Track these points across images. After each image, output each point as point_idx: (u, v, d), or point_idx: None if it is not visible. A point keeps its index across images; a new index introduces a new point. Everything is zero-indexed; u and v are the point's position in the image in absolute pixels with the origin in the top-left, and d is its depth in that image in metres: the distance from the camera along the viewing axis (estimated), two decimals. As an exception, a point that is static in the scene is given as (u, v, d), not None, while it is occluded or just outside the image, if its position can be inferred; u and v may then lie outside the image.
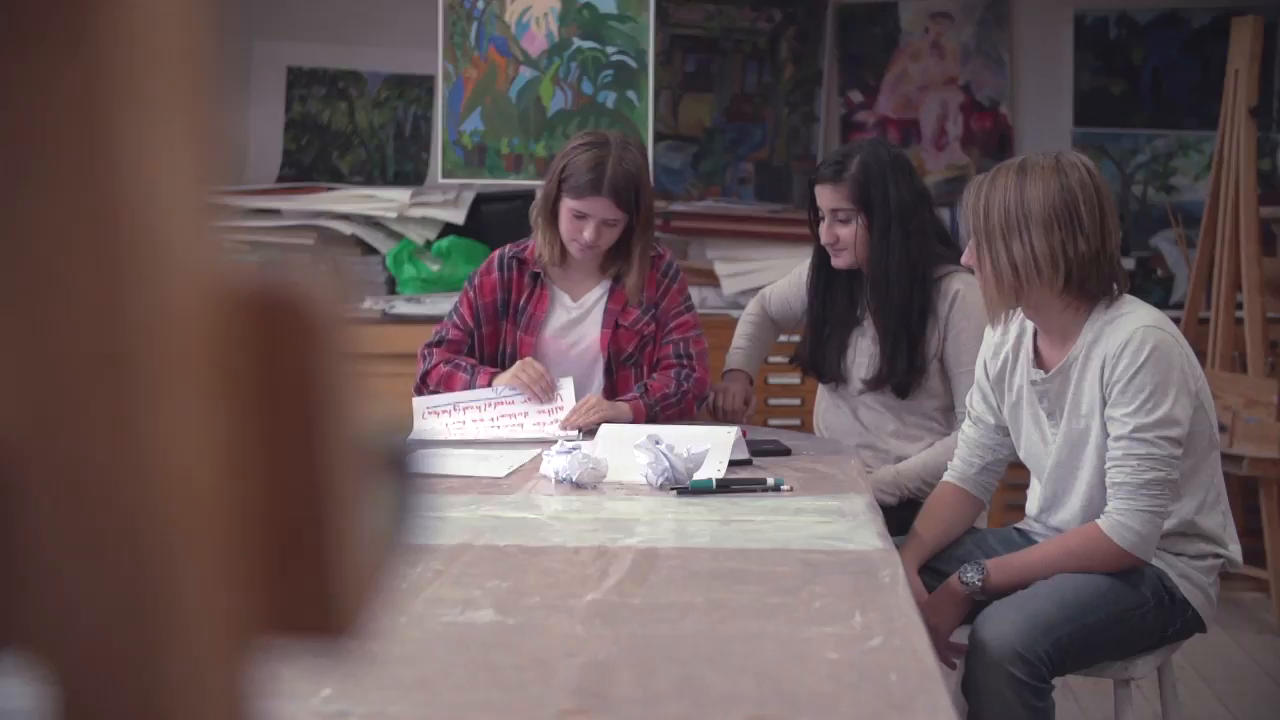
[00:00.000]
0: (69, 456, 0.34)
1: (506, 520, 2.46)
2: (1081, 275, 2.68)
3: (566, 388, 3.33)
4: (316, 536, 0.38)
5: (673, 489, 2.67)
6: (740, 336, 3.80)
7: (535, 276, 3.47)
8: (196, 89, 0.38)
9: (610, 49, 4.87)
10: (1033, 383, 2.83)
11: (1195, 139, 5.63)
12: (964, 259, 2.84)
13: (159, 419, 0.35)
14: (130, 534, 0.35)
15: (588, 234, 3.31)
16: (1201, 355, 4.98)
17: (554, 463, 2.76)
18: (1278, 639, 4.68)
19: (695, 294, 5.41)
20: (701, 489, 2.66)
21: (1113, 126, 5.66)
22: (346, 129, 5.81)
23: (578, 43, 4.88)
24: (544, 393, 3.32)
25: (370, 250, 5.46)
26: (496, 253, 3.56)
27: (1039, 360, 2.84)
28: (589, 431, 3.11)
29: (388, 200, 5.40)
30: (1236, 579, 5.03)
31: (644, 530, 2.38)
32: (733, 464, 2.81)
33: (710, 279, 5.36)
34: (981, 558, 2.86)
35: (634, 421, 3.28)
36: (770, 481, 2.69)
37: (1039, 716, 2.63)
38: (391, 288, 5.43)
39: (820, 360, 3.51)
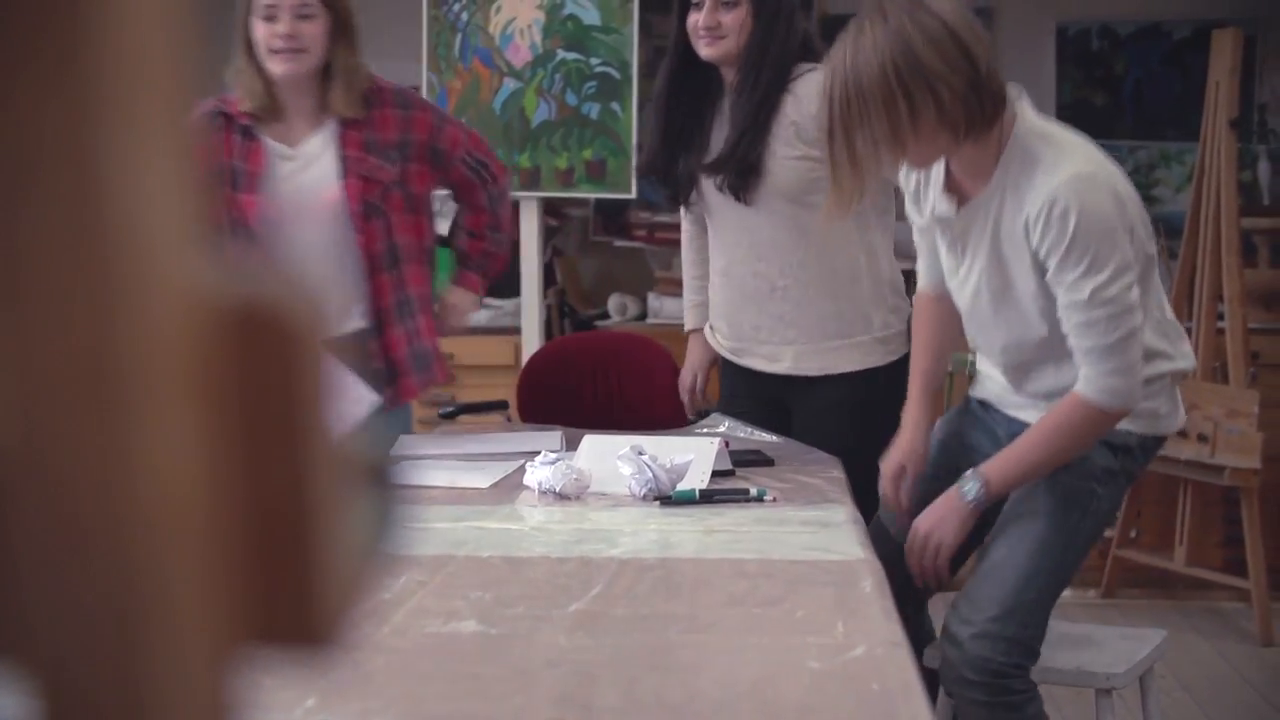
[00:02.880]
0: (55, 467, 0.35)
1: (490, 531, 2.46)
2: (966, 117, 2.50)
3: (552, 439, 3.24)
4: (299, 547, 0.38)
5: (656, 499, 2.68)
6: (690, 278, 3.62)
7: (245, 130, 3.18)
8: (182, 105, 0.38)
9: (594, 60, 4.88)
10: (940, 218, 2.72)
11: (1176, 150, 5.66)
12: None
13: (145, 431, 0.35)
14: (115, 544, 0.35)
15: (282, 27, 3.07)
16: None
17: (537, 474, 2.77)
18: (1259, 648, 4.69)
19: (678, 305, 5.42)
20: (685, 500, 2.66)
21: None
22: (330, 140, 5.81)
23: (561, 54, 4.89)
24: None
25: (354, 261, 5.46)
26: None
27: (950, 185, 2.70)
28: (571, 443, 3.11)
29: (371, 211, 5.39)
30: (1217, 589, 5.05)
31: (627, 541, 2.38)
32: (716, 475, 2.82)
33: (694, 290, 5.36)
34: (968, 457, 2.83)
35: (477, 295, 3.26)
36: (753, 492, 2.70)
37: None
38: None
39: (670, 170, 3.34)
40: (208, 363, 0.37)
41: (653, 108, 3.40)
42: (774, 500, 2.68)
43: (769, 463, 3.06)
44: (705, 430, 3.43)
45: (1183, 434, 4.82)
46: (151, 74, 0.37)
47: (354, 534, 0.40)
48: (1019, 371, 2.79)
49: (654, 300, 5.45)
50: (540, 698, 1.59)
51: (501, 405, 4.49)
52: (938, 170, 2.70)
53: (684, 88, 3.31)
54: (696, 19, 3.19)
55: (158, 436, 0.35)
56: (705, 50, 3.20)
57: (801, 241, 3.23)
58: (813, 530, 2.44)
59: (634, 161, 4.84)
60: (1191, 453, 4.82)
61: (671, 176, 3.35)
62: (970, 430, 2.97)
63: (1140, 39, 5.67)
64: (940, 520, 2.73)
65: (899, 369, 3.26)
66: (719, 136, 3.28)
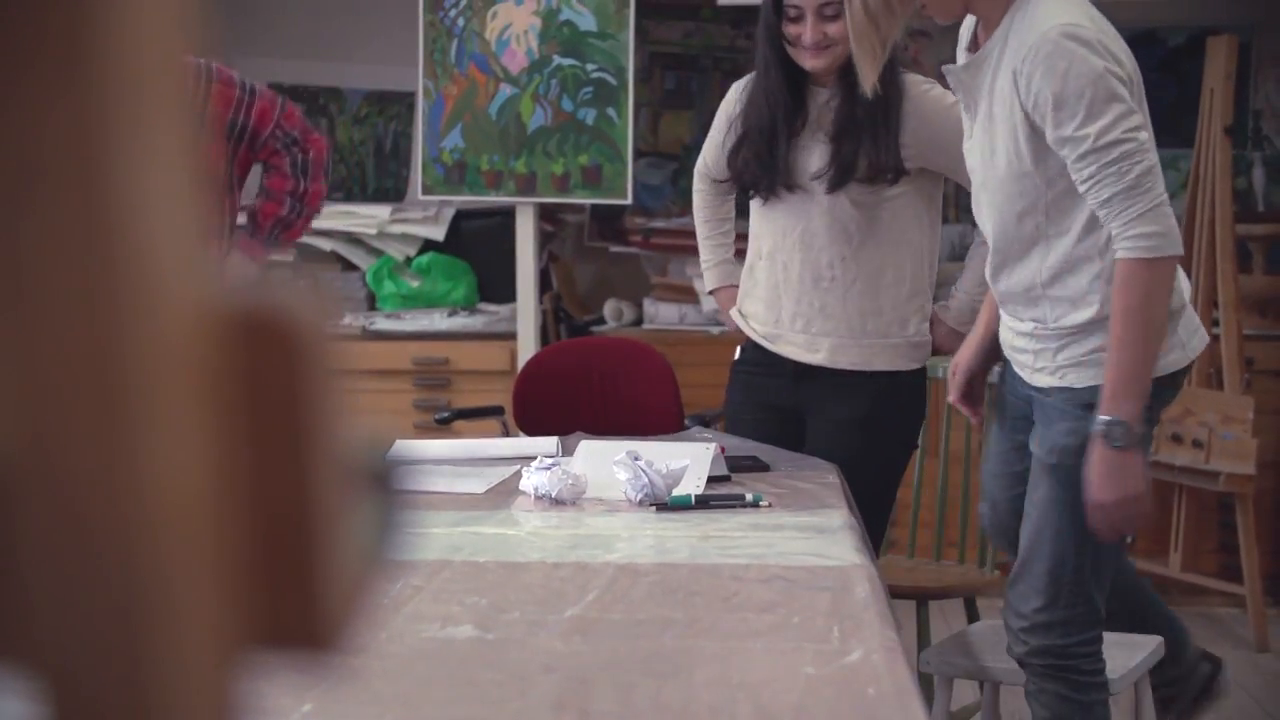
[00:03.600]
0: (63, 472, 0.35)
1: (485, 536, 2.46)
2: None
3: (548, 445, 3.24)
4: (304, 552, 0.38)
5: (652, 505, 2.68)
6: (707, 238, 3.67)
7: None
8: (185, 110, 0.39)
9: (590, 66, 4.88)
10: (950, 71, 2.71)
11: (1171, 157, 5.66)
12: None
13: (151, 436, 0.36)
14: (122, 549, 0.36)
15: None
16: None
17: (533, 479, 2.77)
18: (1254, 654, 4.70)
19: (674, 310, 5.45)
20: (680, 505, 2.66)
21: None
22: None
23: (558, 60, 4.90)
24: None
25: (350, 267, 5.47)
26: None
27: (973, 46, 2.70)
28: (568, 449, 3.11)
29: (367, 217, 5.41)
30: (1213, 594, 5.06)
31: (623, 546, 2.39)
32: (711, 480, 2.82)
33: (689, 296, 5.38)
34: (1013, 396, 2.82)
35: (257, 261, 3.21)
36: (749, 497, 2.70)
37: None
38: (371, 304, 5.44)
39: (770, 170, 3.35)
40: (213, 369, 0.37)
41: (753, 110, 3.39)
42: (770, 505, 2.68)
43: (765, 468, 3.06)
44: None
45: (1177, 439, 4.83)
46: (157, 79, 0.37)
47: (357, 539, 0.41)
48: (1001, 270, 2.72)
49: (650, 305, 5.46)
50: (537, 703, 1.59)
51: (497, 411, 4.50)
52: (967, 29, 2.72)
53: (772, 91, 3.34)
54: (798, 31, 3.24)
55: (164, 442, 0.36)
56: (811, 62, 3.25)
57: (854, 236, 3.30)
58: (808, 535, 2.45)
59: (629, 167, 4.85)
60: (1186, 459, 4.83)
61: (765, 174, 3.35)
62: (1013, 416, 2.89)
63: (1135, 45, 5.65)
64: (1114, 482, 2.55)
65: (920, 377, 3.39)
66: (806, 134, 3.32)
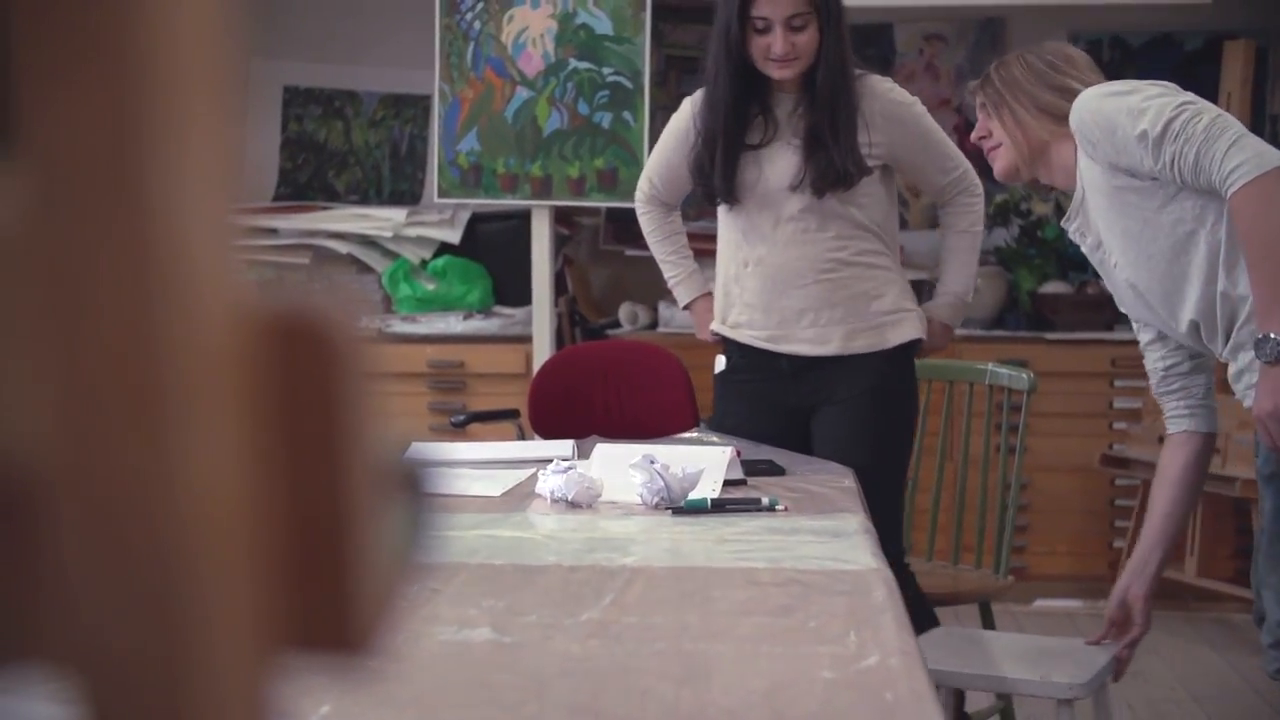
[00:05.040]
0: (100, 477, 0.36)
1: (502, 539, 2.46)
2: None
3: (563, 448, 3.25)
4: (338, 555, 0.39)
5: (668, 508, 2.68)
6: (668, 256, 3.72)
7: None
8: (222, 112, 0.39)
9: (606, 70, 4.89)
10: (1071, 231, 2.87)
11: (1188, 162, 5.66)
12: (974, 137, 2.93)
13: (187, 441, 0.36)
14: (159, 553, 0.36)
15: None
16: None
17: (549, 482, 2.77)
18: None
19: (686, 313, 5.44)
20: (696, 508, 2.67)
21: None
22: (343, 148, 5.83)
23: (574, 63, 4.90)
24: None
25: (366, 269, 5.48)
26: None
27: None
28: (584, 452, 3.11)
29: (383, 219, 5.42)
30: (1228, 600, 5.04)
31: (639, 549, 2.39)
32: (727, 484, 2.82)
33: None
34: None
35: None
36: (765, 501, 2.70)
37: None
38: (387, 307, 5.45)
39: (740, 178, 3.38)
40: (248, 374, 0.38)
41: (702, 121, 3.43)
42: (786, 510, 2.68)
43: (780, 472, 3.07)
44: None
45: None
46: (196, 81, 0.38)
47: (388, 542, 0.41)
48: (1222, 330, 2.70)
49: (665, 309, 5.46)
50: (553, 706, 1.59)
51: (513, 414, 4.50)
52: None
53: (737, 100, 3.36)
54: (765, 43, 3.27)
55: (200, 444, 0.36)
56: (779, 73, 3.29)
57: (838, 225, 3.35)
58: (825, 540, 2.45)
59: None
60: (1202, 464, 4.81)
61: (724, 182, 3.40)
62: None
63: (1151, 50, 5.67)
64: (1268, 394, 2.56)
65: (912, 348, 3.46)
66: (765, 138, 3.37)
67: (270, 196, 5.71)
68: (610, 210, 5.60)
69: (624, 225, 5.71)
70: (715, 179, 3.39)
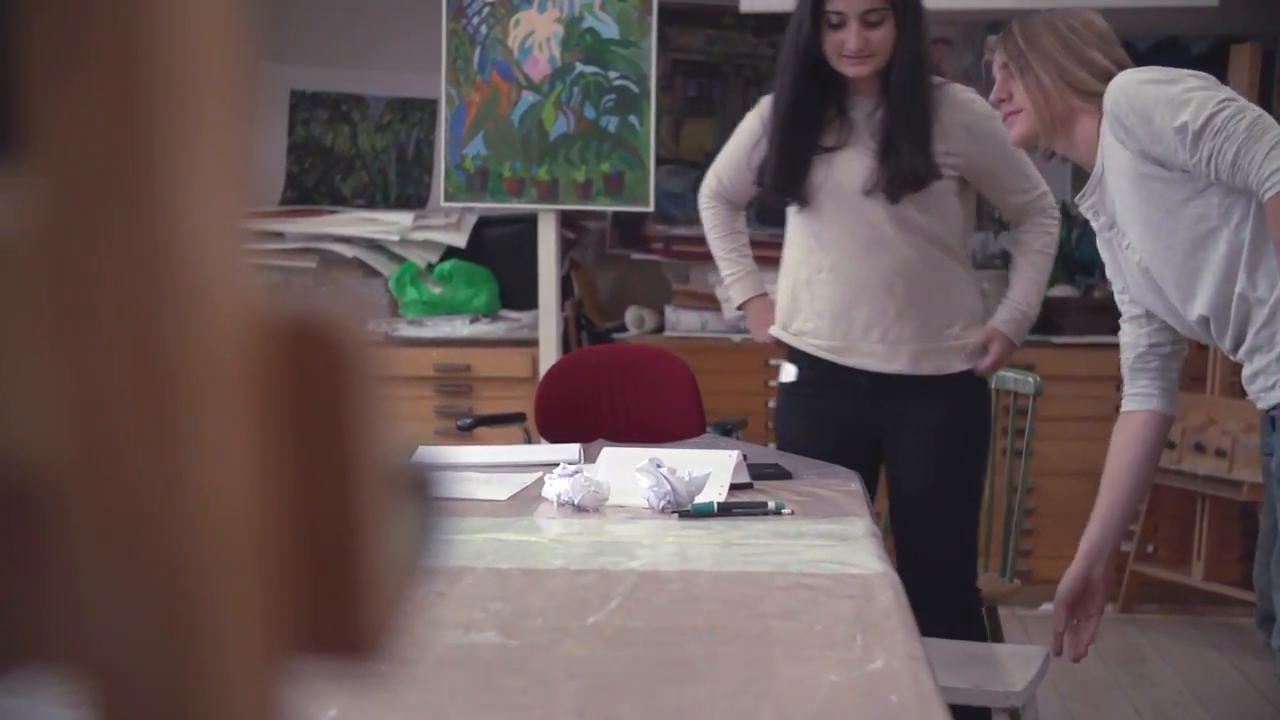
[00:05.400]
0: (111, 479, 0.36)
1: (508, 543, 2.47)
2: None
3: (570, 452, 3.25)
4: (347, 558, 0.39)
5: (674, 512, 2.68)
6: (727, 253, 3.63)
7: None
8: (233, 115, 0.39)
9: (612, 74, 4.89)
10: (1085, 206, 2.81)
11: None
12: (993, 98, 2.85)
13: (197, 442, 0.36)
14: (167, 556, 0.36)
15: None
16: (1199, 381, 5.01)
17: (555, 485, 2.77)
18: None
19: (695, 318, 5.45)
20: (703, 512, 2.67)
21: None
22: (349, 152, 5.84)
23: (580, 67, 4.91)
24: None
25: (372, 273, 5.48)
26: None
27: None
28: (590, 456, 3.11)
29: (390, 223, 5.42)
30: (1235, 604, 5.04)
31: (645, 553, 2.39)
32: (734, 487, 2.82)
33: (711, 303, 5.38)
34: None
35: None
36: (771, 505, 2.70)
37: None
38: (394, 310, 5.46)
39: (798, 181, 3.32)
40: (259, 377, 0.38)
41: (775, 120, 3.35)
42: (792, 513, 2.68)
43: (787, 475, 3.07)
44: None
45: (1200, 449, 4.82)
46: (205, 88, 0.38)
47: (398, 545, 0.41)
48: (1234, 329, 2.68)
49: (671, 313, 5.46)
50: (559, 710, 1.59)
51: (519, 418, 4.51)
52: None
53: (801, 98, 3.30)
54: (839, 39, 3.21)
55: (210, 451, 0.36)
56: (852, 70, 3.22)
57: (914, 237, 3.28)
58: (831, 543, 2.45)
59: (651, 174, 4.86)
60: (1209, 468, 4.81)
61: (790, 183, 3.32)
62: None
63: (1158, 53, 5.66)
64: None
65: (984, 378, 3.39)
66: (840, 141, 3.29)
67: (277, 200, 5.71)
68: (616, 214, 5.61)
69: (630, 229, 5.72)
70: (781, 179, 3.31)
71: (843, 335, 3.34)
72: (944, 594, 3.32)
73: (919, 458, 3.30)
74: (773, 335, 3.50)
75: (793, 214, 3.41)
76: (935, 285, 3.31)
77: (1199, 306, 2.67)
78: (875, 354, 3.32)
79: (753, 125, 3.47)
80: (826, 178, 3.28)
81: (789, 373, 3.49)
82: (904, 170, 3.20)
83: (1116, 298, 2.90)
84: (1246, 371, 2.69)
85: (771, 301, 3.55)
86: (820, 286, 3.36)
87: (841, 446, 3.35)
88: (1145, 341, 2.85)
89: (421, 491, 0.43)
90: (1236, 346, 2.69)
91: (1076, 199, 2.87)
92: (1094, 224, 2.85)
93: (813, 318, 3.39)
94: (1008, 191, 3.39)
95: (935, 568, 3.33)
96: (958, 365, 3.32)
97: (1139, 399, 2.86)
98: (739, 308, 3.66)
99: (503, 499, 2.83)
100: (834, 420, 3.40)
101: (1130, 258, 2.76)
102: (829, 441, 3.37)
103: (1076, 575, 2.87)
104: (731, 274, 3.63)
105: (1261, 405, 2.65)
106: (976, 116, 3.29)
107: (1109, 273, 2.89)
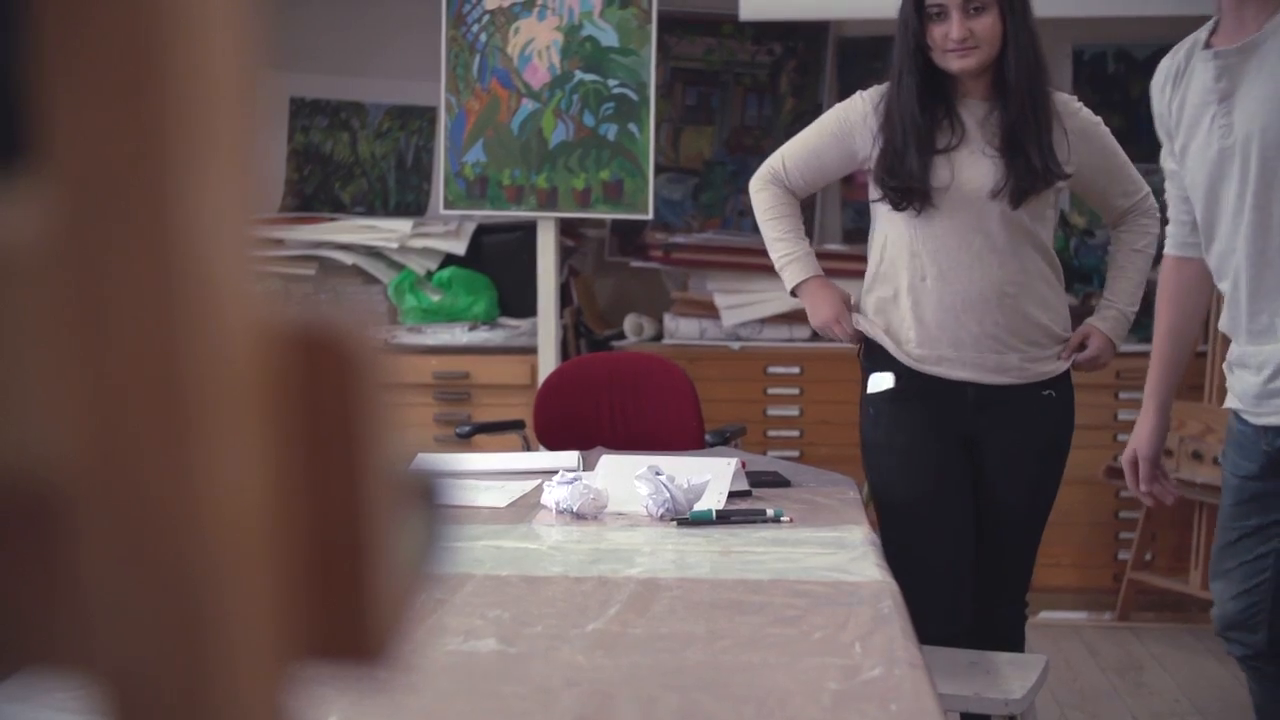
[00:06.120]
0: (125, 487, 0.36)
1: (508, 550, 2.47)
2: None
3: (569, 459, 3.25)
4: (356, 565, 0.39)
5: (673, 520, 2.69)
6: (782, 234, 3.37)
7: None
8: (245, 127, 0.40)
9: (611, 82, 4.90)
10: (1220, 53, 2.67)
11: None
12: None
13: (209, 450, 0.37)
14: (179, 562, 0.37)
15: None
16: (1198, 390, 5.02)
17: (555, 493, 2.78)
18: (1275, 673, 4.68)
19: (694, 325, 5.46)
20: (702, 520, 2.67)
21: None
22: (348, 159, 5.84)
23: (579, 75, 4.91)
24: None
25: (372, 280, 5.49)
26: None
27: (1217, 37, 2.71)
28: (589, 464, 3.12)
29: (389, 231, 5.43)
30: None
31: (644, 561, 2.39)
32: (732, 495, 2.83)
33: (710, 311, 5.39)
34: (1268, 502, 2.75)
35: None
36: (770, 513, 2.70)
37: None
38: (393, 318, 5.46)
39: (920, 182, 3.14)
40: (270, 386, 0.38)
41: (888, 119, 3.20)
42: (791, 521, 2.69)
43: (785, 483, 3.07)
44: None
45: (1198, 457, 4.82)
46: (218, 100, 0.38)
47: (405, 552, 0.42)
48: (1259, 283, 2.65)
49: (670, 321, 5.47)
50: (559, 717, 1.60)
51: (518, 425, 4.51)
52: (1199, 39, 2.74)
53: (923, 95, 3.16)
54: (942, 30, 3.09)
55: (221, 459, 0.37)
56: (957, 63, 3.10)
57: (1024, 244, 3.17)
58: (830, 551, 2.45)
59: (650, 182, 4.86)
60: (1207, 476, 4.82)
61: (919, 184, 3.15)
62: (1242, 460, 2.80)
63: (1156, 61, 5.67)
64: None
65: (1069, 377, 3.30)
66: (952, 143, 3.15)
67: (276, 208, 5.72)
68: (616, 222, 5.61)
69: (629, 237, 5.72)
70: (908, 180, 3.13)
71: (954, 344, 3.18)
72: (1006, 605, 3.30)
73: (1016, 469, 3.21)
74: (859, 328, 3.29)
75: (889, 217, 3.23)
76: (1040, 293, 3.20)
77: (1244, 240, 2.63)
78: (987, 365, 3.18)
79: (847, 119, 3.30)
80: (951, 180, 3.12)
81: (884, 381, 3.28)
82: (1031, 173, 3.09)
83: (1165, 158, 2.87)
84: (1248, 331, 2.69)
85: (831, 284, 3.36)
86: (929, 294, 3.19)
87: (946, 461, 3.22)
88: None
89: (429, 498, 0.44)
90: (1252, 294, 2.65)
91: (1216, 50, 2.71)
92: (1172, 161, 2.78)
93: (917, 326, 3.21)
94: (1115, 195, 3.31)
95: (1005, 577, 3.28)
96: (1059, 368, 3.22)
97: (1193, 246, 2.86)
98: (793, 292, 3.38)
99: (502, 506, 2.84)
100: (941, 432, 3.23)
101: (1224, 141, 2.67)
102: (933, 456, 3.22)
103: (1159, 429, 2.94)
104: (786, 254, 3.36)
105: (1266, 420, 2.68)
106: (1084, 122, 3.22)
107: (1167, 158, 2.84)
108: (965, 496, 3.22)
